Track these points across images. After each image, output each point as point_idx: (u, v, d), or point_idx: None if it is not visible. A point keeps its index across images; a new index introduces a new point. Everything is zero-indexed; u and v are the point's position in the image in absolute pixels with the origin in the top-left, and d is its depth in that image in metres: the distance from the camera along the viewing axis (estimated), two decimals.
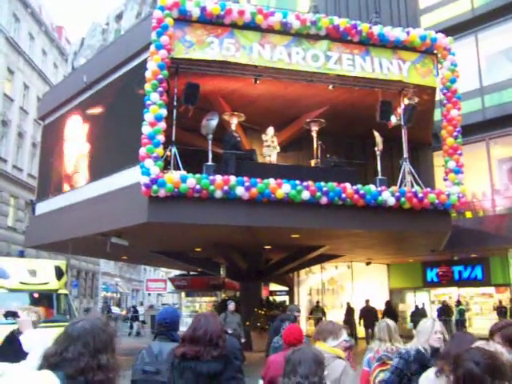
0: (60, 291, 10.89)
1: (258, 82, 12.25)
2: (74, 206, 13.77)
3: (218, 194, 10.69)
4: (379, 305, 18.37)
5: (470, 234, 15.60)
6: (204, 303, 23.86)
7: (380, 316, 16.94)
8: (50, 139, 17.00)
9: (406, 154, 12.64)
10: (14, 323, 5.90)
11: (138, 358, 3.78)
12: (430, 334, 3.68)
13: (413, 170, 12.58)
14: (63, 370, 1.89)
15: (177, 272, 26.37)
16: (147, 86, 10.78)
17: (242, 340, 11.78)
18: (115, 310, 37.29)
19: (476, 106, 16.67)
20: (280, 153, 13.96)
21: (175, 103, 11.51)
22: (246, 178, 10.89)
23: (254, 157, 12.80)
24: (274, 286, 21.89)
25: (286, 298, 21.17)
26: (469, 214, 16.54)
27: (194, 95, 11.39)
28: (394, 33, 12.35)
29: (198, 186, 10.55)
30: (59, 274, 11.08)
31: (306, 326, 20.40)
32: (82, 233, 13.25)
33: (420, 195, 11.76)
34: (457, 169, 12.33)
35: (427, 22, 17.63)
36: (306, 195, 11.13)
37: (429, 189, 12.22)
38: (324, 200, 11.26)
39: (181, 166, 11.01)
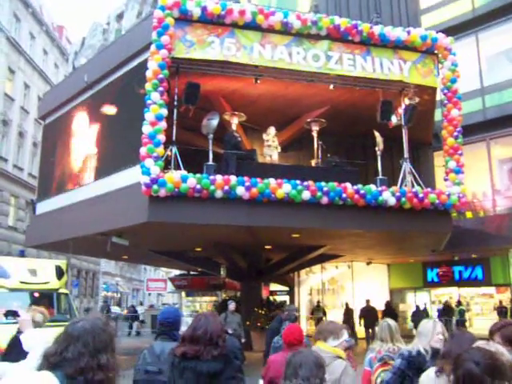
0: (60, 291, 10.91)
1: (258, 81, 12.25)
2: (75, 206, 13.77)
3: (219, 193, 10.69)
4: (379, 305, 18.36)
5: (471, 234, 15.60)
6: (204, 303, 23.88)
7: (380, 316, 16.93)
8: (50, 139, 17.01)
9: (406, 154, 12.63)
10: (14, 323, 5.91)
11: (139, 358, 3.78)
12: (431, 335, 3.67)
13: (413, 170, 12.58)
14: (63, 369, 1.89)
15: (177, 272, 26.39)
16: (148, 86, 10.78)
17: (243, 340, 11.79)
18: (115, 309, 37.31)
19: (477, 106, 16.67)
20: (280, 153, 13.96)
21: (176, 103, 11.50)
22: (246, 178, 10.89)
23: (255, 157, 12.80)
24: (274, 286, 21.90)
25: (287, 298, 21.18)
26: (469, 214, 16.54)
27: (194, 95, 11.39)
28: (395, 33, 12.34)
29: (198, 186, 10.55)
30: (60, 273, 11.09)
31: (306, 325, 20.41)
32: (83, 232, 13.26)
33: (420, 195, 11.76)
34: (457, 169, 12.32)
35: (428, 22, 17.63)
36: (306, 195, 11.12)
37: (429, 189, 12.22)
38: (324, 200, 11.26)
39: (181, 165, 11.01)
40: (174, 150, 11.17)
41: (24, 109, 28.75)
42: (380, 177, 12.25)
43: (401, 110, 12.89)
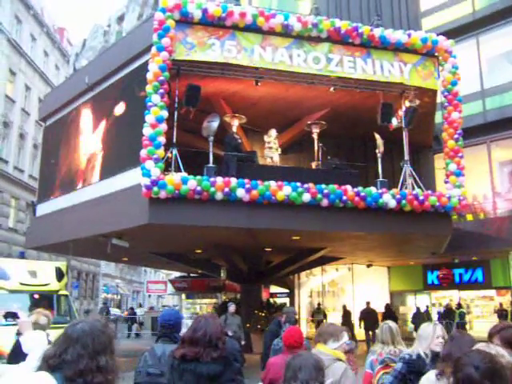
0: (60, 292, 10.91)
1: (259, 84, 12.25)
2: (75, 208, 13.77)
3: (219, 195, 10.69)
4: (380, 307, 18.35)
5: (471, 237, 15.59)
6: (204, 305, 23.84)
7: (380, 319, 16.92)
8: (51, 140, 17.02)
9: (406, 157, 12.63)
10: (14, 324, 5.91)
11: (140, 360, 3.77)
12: (431, 338, 3.66)
13: (414, 173, 12.57)
14: (62, 371, 1.88)
15: (177, 274, 26.35)
16: (148, 88, 10.79)
17: (242, 342, 11.77)
18: (115, 311, 37.29)
19: (477, 109, 16.68)
20: (281, 155, 13.96)
21: (176, 105, 11.51)
22: (246, 180, 10.89)
23: (255, 159, 12.80)
24: (274, 288, 21.88)
25: (287, 300, 21.16)
26: (470, 217, 16.53)
27: (195, 97, 11.40)
28: (396, 35, 12.35)
29: (198, 188, 10.55)
30: (60, 275, 11.10)
31: (306, 328, 20.39)
32: (83, 234, 13.25)
33: (421, 198, 11.76)
34: (458, 171, 12.32)
35: (428, 25, 17.65)
36: (306, 197, 11.12)
37: (430, 191, 12.21)
38: (325, 202, 11.26)
39: (182, 167, 11.01)
40: (175, 152, 11.18)
41: (25, 110, 28.79)
42: (380, 179, 12.25)
43: (401, 113, 12.90)
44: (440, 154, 13.85)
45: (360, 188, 11.56)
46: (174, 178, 10.50)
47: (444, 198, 11.95)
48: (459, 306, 18.84)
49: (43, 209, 16.02)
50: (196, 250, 15.47)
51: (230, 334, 10.18)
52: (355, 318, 18.46)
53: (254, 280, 16.27)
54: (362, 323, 17.61)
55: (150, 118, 10.65)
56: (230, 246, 14.27)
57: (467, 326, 18.12)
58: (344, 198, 11.31)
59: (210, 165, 11.38)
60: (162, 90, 10.80)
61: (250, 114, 13.63)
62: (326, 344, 3.45)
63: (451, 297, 20.18)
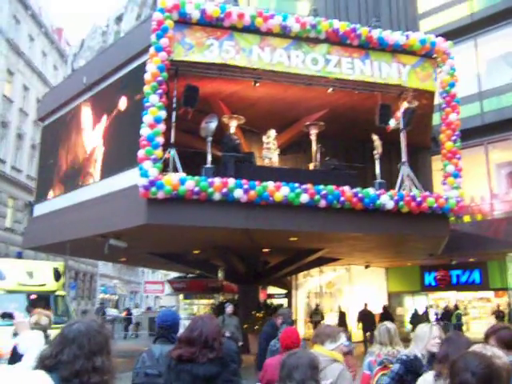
0: (58, 293, 10.89)
1: (257, 84, 12.26)
2: (73, 208, 13.75)
3: (217, 196, 10.69)
4: (377, 308, 18.36)
5: (469, 239, 15.61)
6: (202, 306, 23.85)
7: (377, 320, 16.92)
8: (49, 140, 16.99)
9: (404, 158, 12.64)
10: (10, 324, 5.90)
11: (138, 361, 3.76)
12: (427, 339, 3.68)
13: (411, 174, 12.59)
14: (58, 372, 1.88)
15: (175, 274, 26.35)
16: (147, 88, 10.78)
17: (240, 343, 11.75)
18: (113, 311, 37.22)
19: (475, 111, 16.70)
20: (279, 155, 13.96)
21: (175, 105, 11.50)
22: (244, 181, 10.89)
23: (253, 159, 12.80)
24: (272, 289, 21.87)
25: (284, 301, 21.15)
26: (467, 219, 16.55)
27: (193, 97, 11.39)
28: (394, 37, 12.37)
29: (196, 189, 10.54)
30: (57, 275, 11.09)
31: (304, 329, 20.38)
32: (81, 234, 13.23)
33: (418, 199, 11.77)
34: (455, 173, 12.34)
35: (427, 26, 17.68)
36: (304, 198, 11.12)
37: (427, 193, 12.23)
38: (323, 203, 11.26)
39: (180, 168, 11.00)
40: (173, 152, 11.17)
41: (23, 111, 28.75)
42: (378, 180, 12.27)
43: (399, 114, 12.91)
44: (438, 156, 13.86)
45: (358, 189, 11.57)
46: (171, 179, 10.49)
47: (441, 200, 11.97)
48: (456, 307, 18.86)
49: (41, 209, 15.99)
50: (194, 251, 15.46)
51: (227, 334, 10.16)
52: (351, 319, 18.46)
53: (252, 281, 16.26)
54: (360, 324, 17.62)
55: (148, 119, 10.64)
56: (227, 247, 14.27)
57: (464, 328, 18.13)
58: (342, 198, 11.32)
59: (208, 165, 11.38)
60: (160, 91, 10.79)
61: (249, 114, 13.63)
62: (323, 345, 3.45)
63: (448, 298, 20.20)
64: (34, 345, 4.35)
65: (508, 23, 16.75)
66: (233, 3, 12.09)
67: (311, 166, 13.96)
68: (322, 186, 11.31)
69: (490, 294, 19.06)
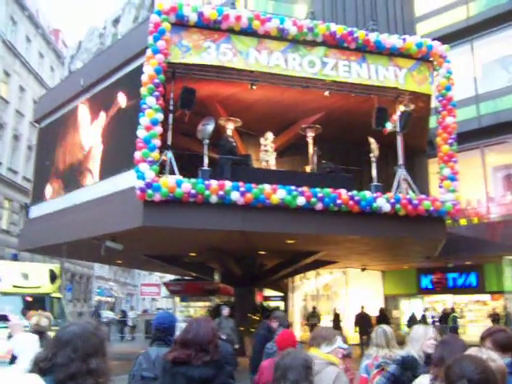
0: (53, 295, 10.85)
1: (254, 87, 12.26)
2: (69, 210, 13.72)
3: (213, 198, 10.67)
4: (374, 311, 18.36)
5: (465, 242, 15.63)
6: (198, 308, 23.77)
7: (374, 323, 16.92)
8: (45, 142, 16.96)
9: (401, 161, 12.67)
10: (5, 327, 5.88)
11: (135, 364, 3.75)
12: (423, 340, 3.69)
13: (408, 177, 12.60)
14: (53, 375, 1.87)
15: (171, 277, 26.29)
16: (143, 90, 10.77)
17: (236, 346, 11.73)
18: (109, 314, 37.11)
19: (471, 114, 16.75)
20: (276, 158, 13.97)
21: (171, 107, 11.49)
22: (241, 183, 10.88)
23: (250, 162, 12.80)
24: (268, 292, 21.86)
25: (281, 304, 21.13)
26: (463, 222, 16.57)
27: (190, 100, 11.38)
28: (391, 40, 12.40)
29: (193, 191, 10.53)
30: (53, 277, 11.06)
31: (300, 331, 20.37)
32: (77, 236, 13.20)
33: (415, 202, 11.78)
34: (452, 176, 12.36)
35: (423, 30, 17.73)
36: (301, 201, 11.12)
37: (424, 196, 12.25)
38: (319, 206, 11.26)
39: (176, 170, 10.99)
40: (169, 154, 11.15)
41: (19, 112, 28.68)
42: (375, 183, 12.28)
43: (396, 117, 12.94)
44: (434, 159, 13.89)
45: (354, 192, 11.57)
46: (168, 181, 10.48)
47: (438, 203, 11.99)
48: (452, 310, 18.88)
49: (37, 211, 15.94)
50: (190, 253, 15.44)
51: (223, 337, 10.15)
52: (347, 322, 18.46)
53: (248, 283, 16.24)
54: (357, 327, 17.62)
55: (144, 121, 10.63)
56: (224, 249, 14.25)
57: (461, 331, 18.15)
58: (338, 201, 11.32)
59: (205, 168, 11.37)
60: (157, 93, 10.78)
61: (245, 117, 13.63)
62: (320, 348, 3.44)
63: (445, 301, 20.21)
64: (28, 347, 4.33)
65: (504, 27, 16.82)
66: (230, 6, 12.11)
67: (308, 169, 13.97)
68: (318, 189, 11.32)
69: (486, 297, 19.07)
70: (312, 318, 19.71)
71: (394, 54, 12.48)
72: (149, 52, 10.94)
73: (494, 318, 17.16)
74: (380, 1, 19.20)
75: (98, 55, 18.85)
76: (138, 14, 43.24)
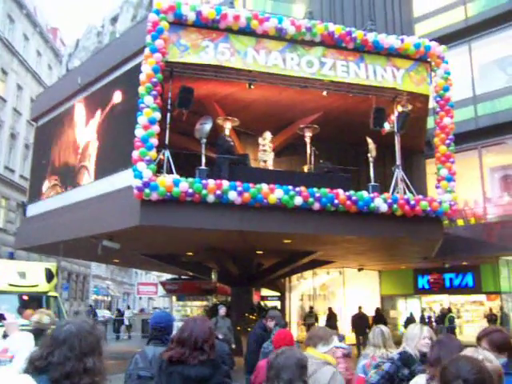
0: (50, 294, 10.82)
1: (252, 86, 12.25)
2: (66, 209, 13.69)
3: (211, 198, 10.66)
4: (370, 311, 18.38)
5: (462, 242, 15.65)
6: (195, 307, 23.76)
7: (371, 323, 16.94)
8: (42, 140, 16.92)
9: (398, 161, 12.68)
10: (1, 326, 5.86)
11: (131, 363, 3.74)
12: (418, 339, 3.72)
13: (405, 177, 12.62)
14: (49, 374, 1.86)
15: (168, 276, 26.28)
16: (141, 89, 10.75)
17: (233, 346, 11.73)
18: (106, 313, 37.09)
19: (469, 115, 16.77)
20: (273, 158, 13.96)
21: (169, 107, 11.48)
22: (238, 183, 10.88)
23: (247, 161, 12.79)
24: (265, 292, 21.85)
25: (278, 304, 21.12)
26: (460, 222, 16.60)
27: (188, 99, 11.37)
28: (389, 40, 12.41)
29: (190, 190, 10.52)
30: (49, 276, 11.03)
31: (297, 331, 20.37)
32: (74, 235, 13.17)
33: (412, 202, 11.80)
34: (449, 176, 12.38)
35: (421, 30, 17.75)
36: (298, 201, 11.12)
37: (421, 196, 12.26)
38: (317, 206, 11.26)
39: (174, 169, 10.98)
40: (167, 153, 11.14)
41: (16, 110, 28.61)
42: (372, 183, 12.28)
43: (393, 117, 12.95)
44: (432, 159, 13.91)
45: (352, 192, 11.58)
46: (165, 180, 10.46)
47: (435, 203, 12.00)
48: (449, 310, 18.92)
49: (33, 209, 15.91)
50: (187, 253, 15.42)
51: (220, 336, 10.16)
52: (344, 322, 18.46)
53: (245, 283, 16.23)
54: (354, 327, 17.63)
55: (142, 120, 10.62)
56: (221, 249, 14.24)
57: (457, 331, 18.19)
58: (336, 201, 11.33)
59: (202, 167, 11.36)
60: (154, 92, 10.76)
61: (243, 116, 13.62)
62: (316, 348, 3.45)
63: (441, 301, 20.25)
64: (24, 346, 4.32)
65: (502, 28, 16.84)
66: (228, 5, 12.10)
67: (305, 169, 13.97)
68: (315, 189, 11.32)
69: (482, 297, 19.11)
70: (309, 318, 19.71)
71: (392, 54, 12.48)
72: (147, 51, 10.93)
73: (491, 318, 17.21)
74: (378, 1, 19.21)
75: (95, 54, 18.82)
76: (136, 12, 43.18)
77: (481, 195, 16.98)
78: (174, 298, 24.21)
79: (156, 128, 10.69)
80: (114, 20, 47.52)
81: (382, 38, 12.35)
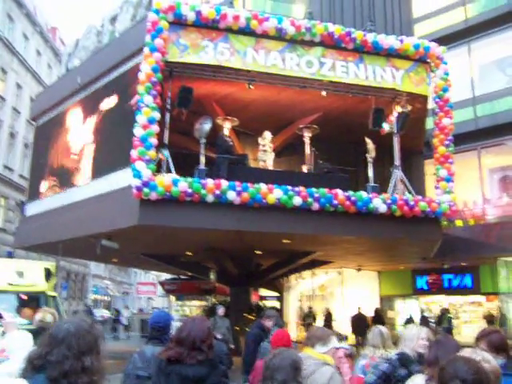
0: (48, 293, 10.80)
1: (251, 86, 12.25)
2: (65, 208, 13.69)
3: (210, 198, 10.66)
4: (369, 312, 18.37)
5: (461, 243, 15.65)
6: (194, 307, 23.77)
7: (370, 323, 16.93)
8: (42, 140, 16.92)
9: (397, 162, 12.69)
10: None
11: (130, 363, 3.74)
12: (416, 339, 3.72)
13: (404, 178, 12.62)
14: (47, 372, 1.87)
15: (167, 276, 26.29)
16: (141, 89, 10.75)
17: (232, 346, 11.72)
18: (104, 312, 37.05)
19: (468, 116, 16.76)
20: (273, 158, 13.96)
21: (169, 106, 11.48)
22: (237, 183, 10.87)
23: (246, 162, 12.79)
24: (264, 292, 21.85)
25: (277, 304, 21.13)
26: (459, 223, 16.60)
27: (187, 99, 11.37)
28: (388, 41, 12.42)
29: (189, 190, 10.51)
30: (48, 275, 11.01)
31: (296, 331, 20.38)
32: (72, 235, 13.17)
33: (411, 203, 11.80)
34: (448, 177, 12.39)
35: (421, 31, 17.74)
36: (297, 201, 11.12)
37: (420, 197, 12.27)
38: (315, 206, 11.26)
39: (173, 169, 10.97)
40: (166, 153, 11.14)
41: (16, 109, 28.60)
42: (371, 184, 12.29)
43: (393, 118, 12.96)
44: (431, 160, 13.91)
45: (351, 192, 11.58)
46: (164, 180, 10.46)
47: (434, 204, 12.01)
48: (447, 311, 18.91)
49: (33, 208, 15.90)
50: (186, 253, 15.42)
51: (218, 336, 10.15)
52: (342, 322, 18.46)
53: (244, 283, 16.23)
54: (353, 328, 17.63)
55: (141, 119, 10.62)
56: (220, 249, 14.24)
57: (455, 331, 18.18)
58: (335, 202, 11.33)
59: (202, 167, 11.35)
60: (154, 92, 10.76)
61: (243, 116, 13.62)
62: (314, 348, 3.44)
63: (440, 302, 20.23)
64: (22, 345, 4.32)
65: (501, 29, 16.85)
66: (228, 5, 12.11)
67: (304, 169, 13.97)
68: (314, 189, 11.32)
69: (481, 298, 19.11)
70: (308, 318, 19.72)
71: (391, 54, 12.49)
72: (146, 50, 10.93)
73: (489, 319, 17.20)
74: (378, 1, 19.21)
75: (95, 53, 18.81)
76: (135, 12, 43.15)
77: (480, 196, 16.98)
78: (172, 297, 24.23)
79: (155, 127, 10.69)
80: (114, 20, 47.47)
81: (381, 39, 12.36)
